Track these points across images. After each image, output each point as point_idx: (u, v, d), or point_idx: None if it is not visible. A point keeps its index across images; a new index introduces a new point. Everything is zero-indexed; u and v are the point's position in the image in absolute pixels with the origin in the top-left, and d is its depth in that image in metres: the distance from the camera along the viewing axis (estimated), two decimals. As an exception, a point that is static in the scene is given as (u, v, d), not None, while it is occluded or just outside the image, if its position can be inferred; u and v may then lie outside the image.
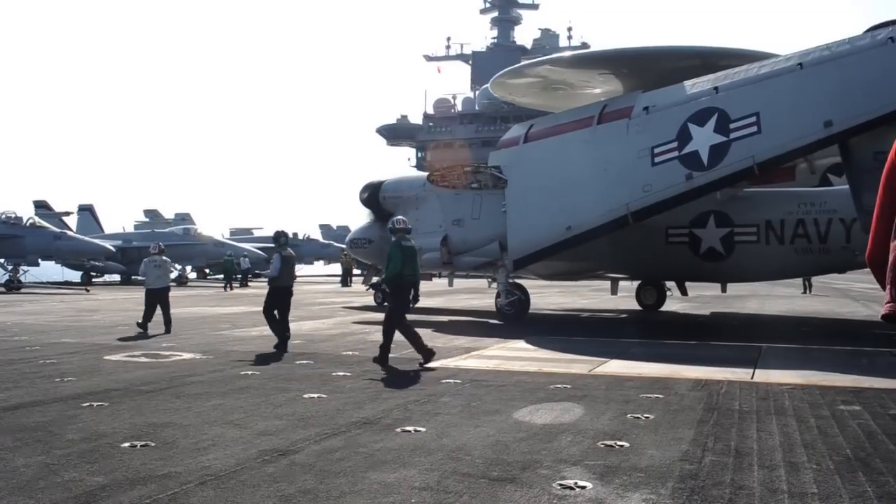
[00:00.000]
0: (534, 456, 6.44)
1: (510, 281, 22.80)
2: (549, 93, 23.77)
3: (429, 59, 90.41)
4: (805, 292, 37.54)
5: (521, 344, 15.43)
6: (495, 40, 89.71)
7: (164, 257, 20.03)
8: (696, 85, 18.82)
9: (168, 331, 17.98)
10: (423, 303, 15.89)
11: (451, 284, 33.92)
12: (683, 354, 13.65)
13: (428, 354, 12.55)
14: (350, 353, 13.91)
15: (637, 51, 21.85)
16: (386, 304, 24.20)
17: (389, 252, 13.26)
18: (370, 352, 13.92)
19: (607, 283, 30.18)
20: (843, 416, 8.11)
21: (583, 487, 5.54)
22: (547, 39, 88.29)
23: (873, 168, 15.54)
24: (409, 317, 13.48)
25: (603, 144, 19.63)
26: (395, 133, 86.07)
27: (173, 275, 61.78)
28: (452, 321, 21.96)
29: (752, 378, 10.89)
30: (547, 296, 35.00)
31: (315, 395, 9.36)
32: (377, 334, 17.06)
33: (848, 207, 18.15)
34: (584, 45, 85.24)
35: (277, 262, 15.63)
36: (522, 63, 23.50)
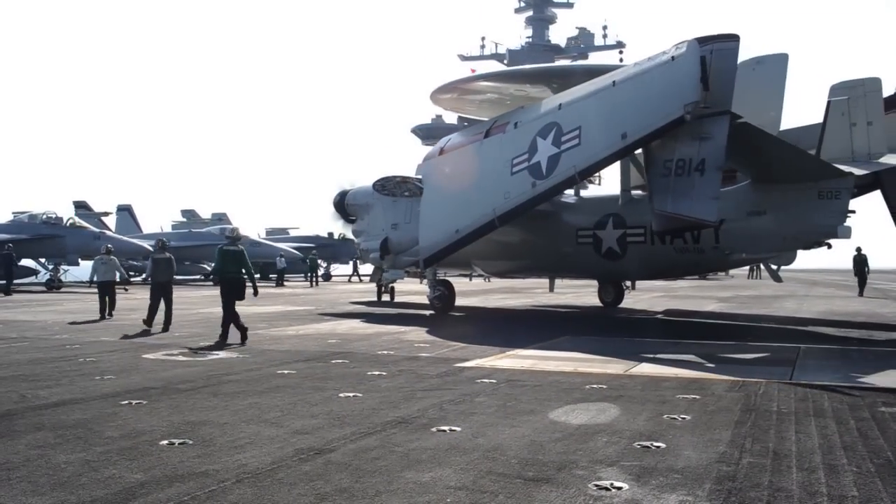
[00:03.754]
0: (570, 456, 6.41)
1: (437, 278, 26.22)
2: (486, 105, 25.94)
3: (463, 58, 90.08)
4: (861, 294, 36.58)
5: (557, 343, 15.38)
6: (530, 39, 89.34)
7: (112, 257, 24.52)
8: (551, 101, 21.25)
9: (111, 314, 22.86)
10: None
11: (422, 282, 35.82)
12: (720, 355, 13.53)
13: (223, 339, 15.63)
14: (385, 352, 13.95)
15: (557, 68, 26.12)
16: (384, 299, 31.41)
17: (218, 255, 17.00)
18: (405, 351, 14.02)
19: (639, 283, 30.54)
20: (884, 418, 7.99)
21: (619, 488, 5.51)
22: (583, 38, 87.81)
23: (662, 174, 17.53)
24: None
25: (485, 156, 22.43)
26: (430, 133, 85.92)
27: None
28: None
29: (790, 379, 10.77)
30: (582, 296, 34.91)
31: (350, 395, 9.39)
32: (412, 334, 17.28)
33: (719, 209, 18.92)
34: (620, 45, 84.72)
35: (150, 263, 20.75)
36: (457, 79, 25.57)
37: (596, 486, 5.57)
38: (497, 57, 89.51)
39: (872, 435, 7.20)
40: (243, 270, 16.73)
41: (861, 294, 36.48)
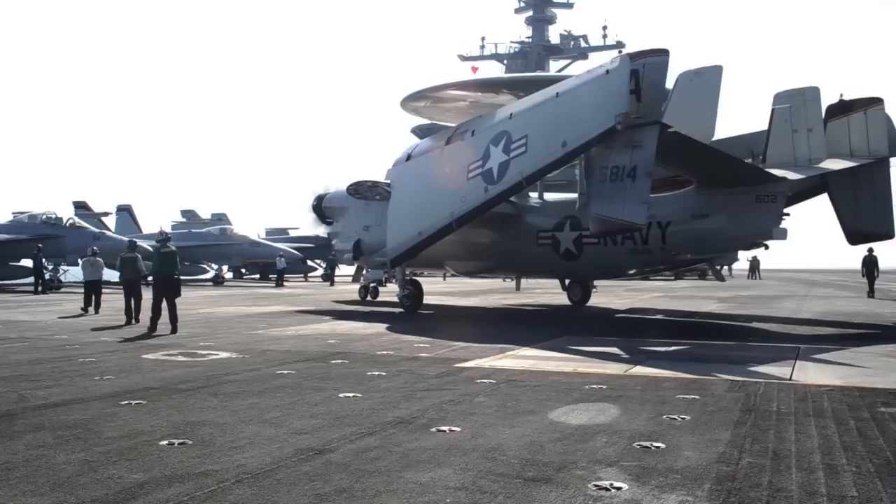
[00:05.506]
0: (569, 456, 6.41)
1: (406, 278, 27.29)
2: (453, 113, 27.08)
3: (463, 58, 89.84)
4: (870, 296, 35.61)
5: (557, 343, 15.38)
6: (530, 39, 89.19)
7: (98, 258, 26.59)
8: (505, 110, 22.65)
9: (97, 311, 24.51)
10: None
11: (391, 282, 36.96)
12: (720, 355, 13.54)
13: (153, 328, 18.08)
14: (385, 352, 13.95)
15: (522, 78, 28.35)
16: (368, 298, 32.68)
17: (151, 255, 19.69)
18: (405, 351, 14.03)
19: (642, 283, 30.71)
20: (884, 418, 7.99)
21: (618, 488, 5.51)
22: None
23: (599, 180, 18.95)
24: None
25: (446, 162, 23.89)
26: (430, 133, 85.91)
27: (211, 275, 63.24)
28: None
29: (790, 379, 10.78)
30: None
31: (350, 395, 9.39)
32: (411, 334, 17.26)
33: (665, 212, 20.97)
34: (620, 44, 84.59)
35: (119, 262, 22.85)
36: (425, 87, 26.52)
37: (595, 486, 5.56)
38: (497, 57, 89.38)
39: (872, 435, 7.21)
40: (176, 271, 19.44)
41: (870, 295, 35.59)
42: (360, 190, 27.34)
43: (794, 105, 20.39)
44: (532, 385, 10.21)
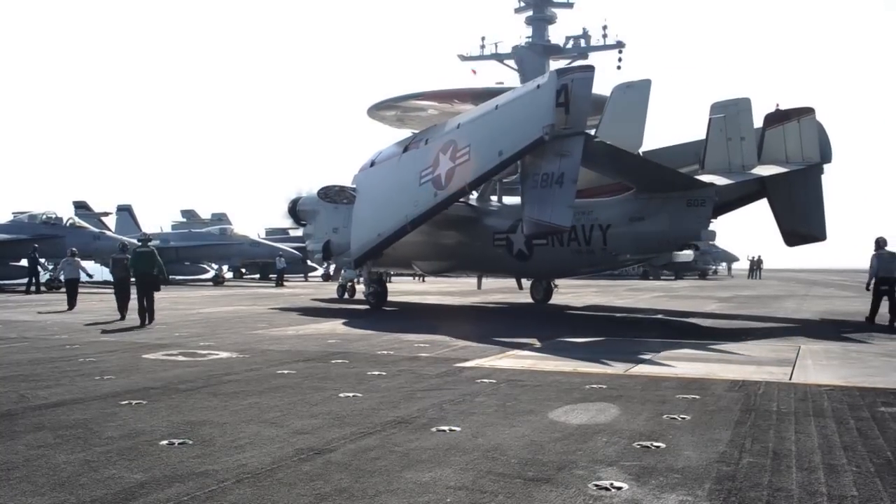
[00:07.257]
0: (569, 456, 6.41)
1: (373, 276, 28.64)
2: (420, 121, 28.83)
3: (463, 58, 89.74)
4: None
5: (557, 343, 15.38)
6: (530, 39, 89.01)
7: (76, 258, 28.79)
8: (454, 120, 24.51)
9: (71, 308, 26.12)
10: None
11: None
12: (720, 355, 13.54)
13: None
14: (385, 352, 13.94)
15: (481, 89, 28.79)
16: (346, 297, 34.77)
17: (131, 256, 21.97)
18: (405, 351, 14.02)
19: (643, 283, 30.83)
20: (884, 417, 8.00)
21: (619, 488, 5.51)
22: (581, 38, 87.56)
23: (532, 186, 20.26)
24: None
25: (402, 169, 25.60)
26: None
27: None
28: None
29: (790, 379, 10.78)
30: (582, 295, 34.92)
31: (350, 395, 9.38)
32: (411, 334, 17.25)
33: (606, 216, 22.58)
34: (620, 44, 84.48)
35: (111, 263, 24.63)
36: (391, 97, 28.16)
37: (596, 485, 5.56)
38: (496, 57, 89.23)
39: (872, 435, 7.21)
40: (155, 268, 21.09)
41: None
42: (330, 194, 29.09)
43: (728, 115, 21.64)
44: (532, 385, 10.21)
